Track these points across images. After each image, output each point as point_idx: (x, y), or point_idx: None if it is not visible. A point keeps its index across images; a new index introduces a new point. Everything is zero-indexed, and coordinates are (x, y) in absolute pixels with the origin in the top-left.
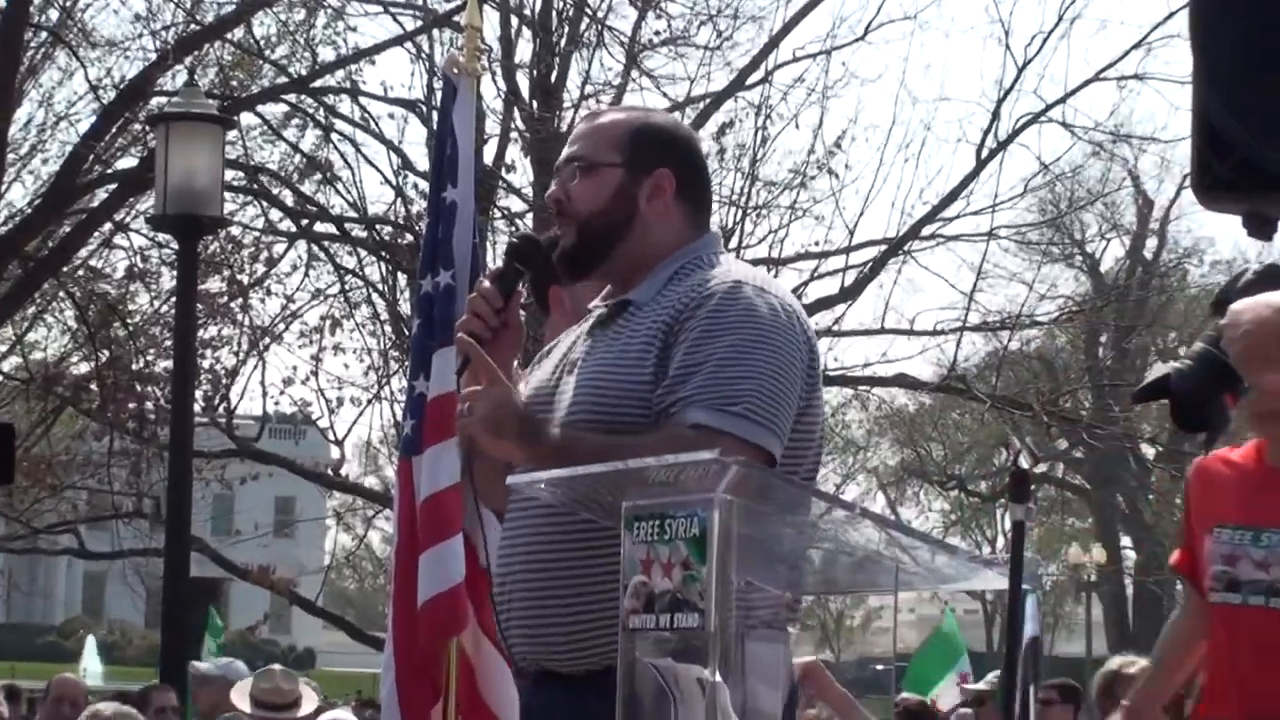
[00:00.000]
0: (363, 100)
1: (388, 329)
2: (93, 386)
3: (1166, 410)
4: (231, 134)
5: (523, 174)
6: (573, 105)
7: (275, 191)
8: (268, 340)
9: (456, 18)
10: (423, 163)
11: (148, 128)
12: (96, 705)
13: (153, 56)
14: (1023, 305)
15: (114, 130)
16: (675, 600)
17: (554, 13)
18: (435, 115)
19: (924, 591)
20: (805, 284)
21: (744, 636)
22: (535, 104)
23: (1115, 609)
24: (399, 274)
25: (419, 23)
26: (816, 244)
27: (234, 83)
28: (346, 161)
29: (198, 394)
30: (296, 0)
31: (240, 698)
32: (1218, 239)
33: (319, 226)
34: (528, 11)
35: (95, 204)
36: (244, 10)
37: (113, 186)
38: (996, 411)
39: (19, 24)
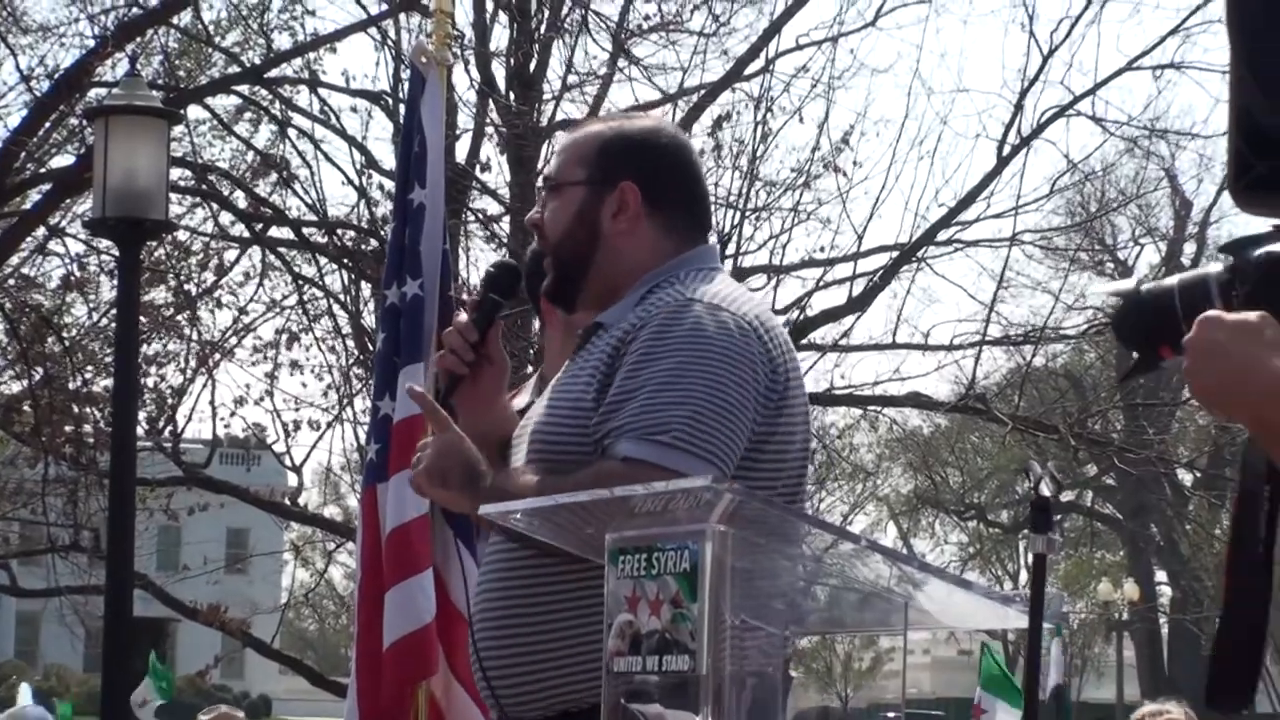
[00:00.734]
0: (322, 92)
1: (350, 344)
2: (25, 407)
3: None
4: (178, 129)
5: (498, 173)
6: (553, 97)
7: (226, 192)
8: (218, 356)
9: (425, 1)
10: (389, 161)
11: (85, 122)
12: None
13: (91, 43)
14: (1048, 317)
15: (48, 125)
16: (664, 641)
17: None
18: (402, 109)
19: (939, 632)
20: (810, 293)
21: (739, 680)
22: (512, 96)
23: (1149, 650)
24: (362, 283)
25: (384, 6)
26: (822, 250)
27: (181, 72)
28: (304, 159)
29: (141, 416)
30: None
31: None
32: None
33: (274, 231)
34: None
35: (27, 206)
36: None
37: (47, 187)
38: (1019, 434)
39: None
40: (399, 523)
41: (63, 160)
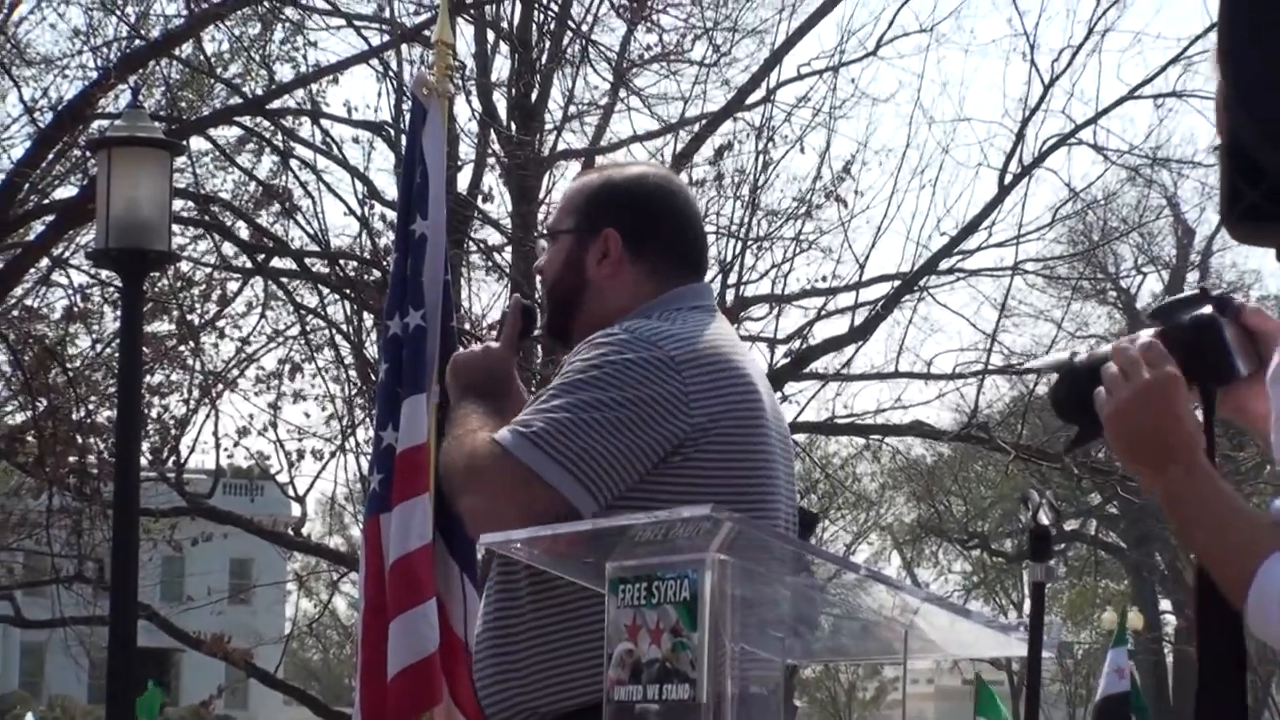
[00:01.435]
0: (324, 123)
1: (352, 374)
2: (29, 438)
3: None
4: (180, 160)
5: (500, 203)
6: (555, 127)
7: (228, 223)
8: (221, 387)
9: (426, 32)
10: (390, 191)
11: (88, 153)
12: None
13: (94, 75)
14: (1051, 346)
15: (51, 156)
16: (664, 670)
17: (534, 26)
18: (404, 139)
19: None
20: (812, 323)
21: (739, 709)
22: (514, 126)
23: (1154, 680)
24: (365, 314)
25: (386, 37)
26: (824, 279)
27: (183, 104)
28: (307, 190)
29: (144, 446)
30: (252, 13)
31: None
32: (1264, 273)
33: (276, 262)
34: (505, 25)
35: (31, 237)
36: (194, 25)
37: (50, 218)
38: (1022, 463)
39: None
40: (402, 553)
41: (66, 191)
